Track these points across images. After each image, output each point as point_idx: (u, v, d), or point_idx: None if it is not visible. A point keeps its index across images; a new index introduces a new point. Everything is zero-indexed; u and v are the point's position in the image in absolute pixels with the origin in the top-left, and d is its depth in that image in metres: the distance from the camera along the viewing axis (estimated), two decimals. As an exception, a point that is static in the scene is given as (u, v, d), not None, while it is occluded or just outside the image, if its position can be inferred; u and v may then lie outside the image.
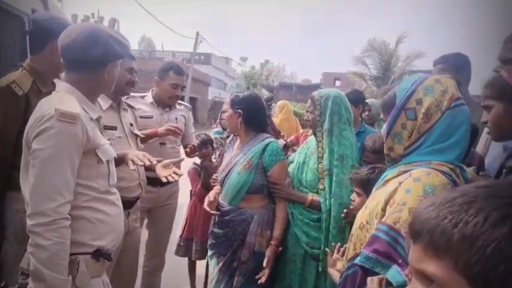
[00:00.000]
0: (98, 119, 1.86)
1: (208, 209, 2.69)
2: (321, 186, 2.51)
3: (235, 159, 2.66)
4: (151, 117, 3.28)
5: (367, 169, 2.03)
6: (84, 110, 1.73)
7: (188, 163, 3.94)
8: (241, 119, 2.65)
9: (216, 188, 2.89)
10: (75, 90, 1.76)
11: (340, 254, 1.95)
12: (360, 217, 1.49)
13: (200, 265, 4.03)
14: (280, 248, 2.53)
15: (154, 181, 3.14)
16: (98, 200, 1.74)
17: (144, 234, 3.37)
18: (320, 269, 2.44)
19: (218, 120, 4.93)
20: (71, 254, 1.60)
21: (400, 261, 1.22)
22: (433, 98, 1.36)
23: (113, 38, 1.79)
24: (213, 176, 3.29)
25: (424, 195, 1.26)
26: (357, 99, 3.61)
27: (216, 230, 2.68)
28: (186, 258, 3.94)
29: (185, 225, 3.86)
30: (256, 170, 2.57)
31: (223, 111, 3.86)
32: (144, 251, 3.43)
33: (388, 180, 1.43)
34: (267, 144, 2.59)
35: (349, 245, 1.53)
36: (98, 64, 1.77)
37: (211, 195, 2.78)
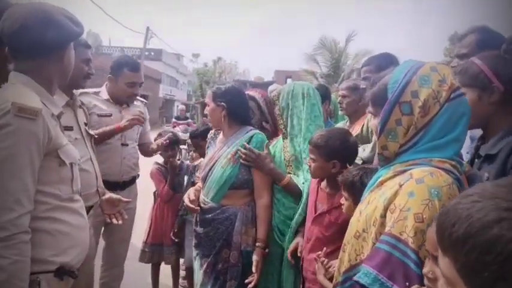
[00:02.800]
0: (59, 116, 1.61)
1: (191, 206, 2.52)
2: (289, 171, 2.43)
3: (219, 154, 2.50)
4: (110, 115, 2.99)
5: (354, 170, 1.87)
6: (44, 104, 1.47)
7: (149, 163, 3.69)
8: (225, 112, 2.50)
9: (197, 185, 2.72)
10: (32, 81, 1.49)
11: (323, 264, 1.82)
12: (354, 224, 1.32)
13: (163, 271, 3.81)
14: (267, 250, 2.38)
15: (113, 185, 2.95)
16: (59, 209, 1.50)
17: (101, 243, 3.11)
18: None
19: (173, 120, 4.71)
20: (31, 274, 1.37)
21: (406, 283, 1.07)
22: (430, 89, 1.20)
23: (66, 16, 1.54)
24: (197, 174, 3.11)
25: (430, 199, 1.11)
26: (324, 95, 3.53)
27: (198, 229, 2.52)
28: (149, 265, 3.69)
29: (150, 230, 3.61)
30: (241, 163, 2.42)
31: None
32: (101, 261, 3.14)
33: (383, 182, 1.27)
34: (252, 136, 2.46)
35: (343, 256, 1.36)
36: (55, 48, 1.52)
37: (191, 193, 2.61)
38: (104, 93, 3.07)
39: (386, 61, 2.74)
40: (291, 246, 2.28)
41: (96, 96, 3.03)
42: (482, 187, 0.62)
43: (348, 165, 2.05)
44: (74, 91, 2.47)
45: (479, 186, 0.64)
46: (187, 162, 4.06)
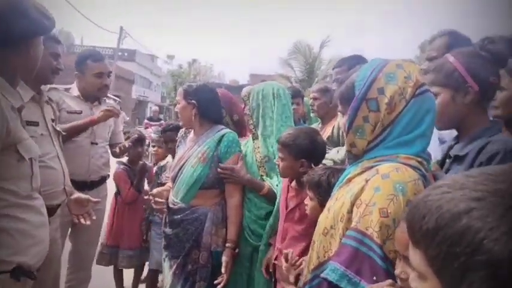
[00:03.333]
0: (20, 109, 1.53)
1: (157, 207, 2.47)
2: (262, 174, 2.40)
3: (189, 153, 2.45)
4: (80, 112, 2.89)
5: (320, 170, 1.86)
6: (3, 96, 1.40)
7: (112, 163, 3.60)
8: (196, 110, 2.46)
9: (167, 185, 2.66)
10: None
11: (291, 263, 1.79)
12: (323, 221, 1.31)
13: (127, 274, 3.71)
14: (237, 250, 2.34)
15: (80, 185, 2.84)
16: (17, 206, 1.44)
17: (67, 245, 2.99)
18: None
19: (145, 121, 4.62)
20: None
21: (374, 278, 1.07)
22: (396, 86, 1.21)
23: (36, 8, 1.47)
24: (167, 175, 3.04)
25: (395, 194, 1.11)
26: (294, 95, 3.57)
27: (167, 230, 2.46)
28: (111, 268, 3.59)
29: (109, 231, 3.51)
30: (211, 162, 2.37)
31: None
32: (67, 264, 3.02)
33: (351, 179, 1.27)
34: (223, 135, 2.42)
35: (311, 253, 1.35)
36: (21, 39, 1.45)
37: (154, 192, 2.58)
38: (75, 90, 2.97)
39: (357, 62, 2.77)
40: (264, 263, 2.25)
41: (66, 93, 2.93)
42: (452, 178, 0.61)
43: (314, 165, 2.05)
44: (43, 87, 2.40)
45: (449, 177, 0.64)
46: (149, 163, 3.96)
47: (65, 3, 17.03)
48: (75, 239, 3.00)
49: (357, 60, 2.69)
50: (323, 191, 1.72)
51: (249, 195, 2.42)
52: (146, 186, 3.70)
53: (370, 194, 1.15)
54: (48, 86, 2.76)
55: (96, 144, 2.98)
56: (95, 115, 2.79)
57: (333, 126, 2.96)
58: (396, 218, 1.10)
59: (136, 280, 3.79)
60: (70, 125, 2.69)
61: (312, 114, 3.57)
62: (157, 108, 16.44)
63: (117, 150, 3.17)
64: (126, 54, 36.32)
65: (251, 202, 2.41)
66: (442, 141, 1.89)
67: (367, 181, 1.18)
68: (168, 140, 3.41)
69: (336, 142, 2.90)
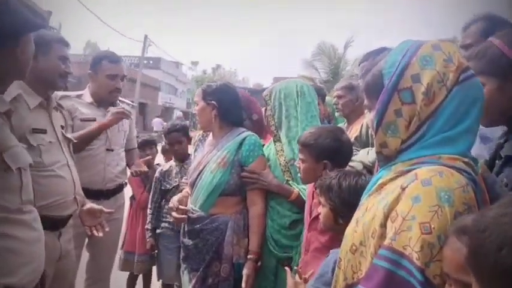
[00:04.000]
0: (8, 113, 1.42)
1: (176, 216, 2.33)
2: (288, 178, 2.21)
3: (208, 157, 2.30)
4: (94, 119, 2.76)
5: (333, 173, 1.66)
6: None
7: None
8: (216, 111, 2.31)
9: (185, 191, 2.52)
10: None
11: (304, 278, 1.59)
12: (350, 236, 1.11)
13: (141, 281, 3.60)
14: (259, 263, 2.16)
15: (96, 194, 2.74)
16: (5, 221, 1.31)
17: (85, 256, 2.90)
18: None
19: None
20: None
21: None
22: (435, 71, 0.99)
23: (23, 4, 1.37)
24: (183, 180, 2.89)
25: (439, 204, 0.89)
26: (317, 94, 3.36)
27: (185, 240, 2.31)
28: (126, 273, 3.50)
29: (125, 236, 3.41)
30: (232, 167, 2.21)
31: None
32: (85, 275, 2.90)
33: (383, 185, 1.06)
34: (244, 138, 2.26)
35: (338, 273, 1.14)
36: (7, 37, 1.33)
37: (175, 200, 2.41)
38: (87, 96, 2.86)
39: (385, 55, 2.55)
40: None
41: (78, 100, 2.82)
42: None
43: (339, 168, 1.85)
44: (54, 95, 2.30)
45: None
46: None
47: (92, 15, 17.37)
48: (92, 249, 2.89)
49: (381, 53, 2.47)
50: (334, 196, 1.53)
51: (271, 202, 2.24)
52: None
53: (408, 204, 0.93)
54: (60, 94, 2.67)
55: (112, 150, 2.86)
56: (105, 119, 2.66)
57: (361, 125, 2.74)
58: (442, 234, 0.88)
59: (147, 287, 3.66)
60: (80, 133, 2.58)
61: (336, 114, 3.34)
62: (181, 113, 16.51)
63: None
64: (151, 62, 36.92)
65: (273, 210, 2.23)
66: (483, 139, 1.64)
67: (403, 188, 0.96)
68: (174, 141, 3.22)
69: (364, 143, 2.67)
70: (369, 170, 2.23)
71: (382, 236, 0.98)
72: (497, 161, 1.29)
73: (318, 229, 1.84)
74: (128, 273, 3.56)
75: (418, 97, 1.01)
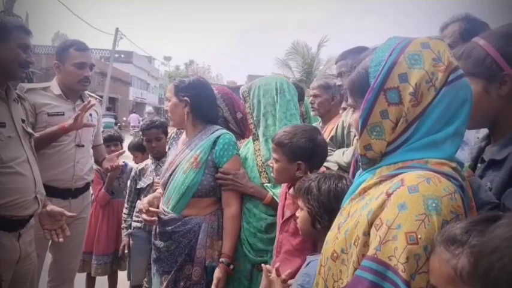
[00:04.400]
0: None
1: (146, 218, 2.22)
2: (263, 180, 2.13)
3: (180, 157, 2.19)
4: (63, 114, 2.62)
5: (313, 175, 1.60)
6: None
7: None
8: (188, 108, 2.20)
9: (157, 192, 2.41)
10: None
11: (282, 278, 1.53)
12: (331, 242, 1.04)
13: (100, 282, 3.47)
14: (231, 267, 2.08)
15: (65, 193, 2.62)
16: None
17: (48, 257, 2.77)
18: None
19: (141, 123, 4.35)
20: None
21: None
22: (423, 71, 0.94)
23: None
24: (156, 180, 2.78)
25: (426, 213, 0.84)
26: (298, 95, 3.31)
27: (157, 242, 2.21)
28: (84, 275, 3.36)
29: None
30: (205, 167, 2.11)
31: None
32: (48, 277, 2.77)
33: (366, 189, 1.00)
34: (218, 137, 2.15)
35: (318, 279, 1.08)
36: None
37: (145, 201, 2.30)
38: (55, 88, 2.69)
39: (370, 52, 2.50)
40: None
41: (45, 93, 2.65)
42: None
43: (313, 169, 1.80)
44: (20, 86, 2.15)
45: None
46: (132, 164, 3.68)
47: (61, 5, 16.79)
48: (56, 250, 2.74)
49: (363, 52, 2.43)
50: (313, 199, 1.47)
51: (248, 204, 2.16)
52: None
53: (393, 212, 0.87)
54: (26, 87, 2.52)
55: (83, 146, 2.73)
56: (66, 122, 2.50)
57: (337, 125, 2.70)
58: (428, 244, 0.83)
59: None
60: (40, 133, 2.42)
61: (312, 113, 3.29)
62: (151, 108, 16.18)
63: (108, 167, 2.90)
64: (122, 55, 36.15)
65: (250, 213, 2.14)
66: (465, 144, 1.61)
67: (388, 195, 0.90)
68: (152, 138, 3.11)
69: (340, 143, 2.63)
70: (344, 170, 2.18)
71: (366, 244, 0.92)
72: (479, 165, 1.25)
73: (289, 231, 1.79)
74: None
75: (405, 98, 0.95)
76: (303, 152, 1.77)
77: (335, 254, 1.01)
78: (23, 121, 2.09)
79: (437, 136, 0.94)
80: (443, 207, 0.85)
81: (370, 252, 0.89)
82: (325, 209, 1.40)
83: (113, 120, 17.81)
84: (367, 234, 0.92)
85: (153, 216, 2.22)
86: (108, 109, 19.83)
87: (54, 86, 2.71)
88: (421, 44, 0.98)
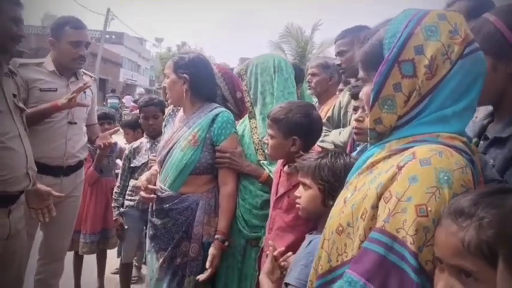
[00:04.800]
0: None
1: (145, 196, 2.21)
2: (259, 157, 2.14)
3: (178, 134, 2.18)
4: (56, 90, 2.58)
5: (316, 154, 1.59)
6: None
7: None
8: (187, 85, 2.17)
9: (153, 169, 2.40)
10: None
11: (281, 260, 1.54)
12: (336, 216, 1.03)
13: (88, 261, 3.47)
14: (227, 243, 2.10)
15: (55, 170, 2.59)
16: None
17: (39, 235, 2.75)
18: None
19: (132, 104, 4.30)
20: None
21: None
22: (439, 43, 0.91)
23: None
24: (151, 156, 2.78)
25: (438, 186, 0.83)
26: (297, 77, 3.27)
27: (154, 219, 2.21)
28: (72, 253, 3.34)
29: None
30: (203, 145, 2.11)
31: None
32: (38, 255, 2.75)
33: (374, 163, 0.98)
34: (217, 115, 2.14)
35: (321, 253, 1.06)
36: None
37: (143, 178, 2.29)
38: (49, 64, 2.63)
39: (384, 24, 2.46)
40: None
41: (38, 68, 2.60)
42: None
43: (308, 144, 1.81)
44: (12, 61, 2.10)
45: None
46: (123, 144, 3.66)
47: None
48: (47, 228, 2.71)
49: (363, 31, 2.39)
50: (328, 175, 1.44)
51: (244, 182, 2.17)
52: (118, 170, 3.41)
53: (404, 185, 0.86)
54: (18, 62, 2.46)
55: (75, 124, 2.68)
56: (59, 101, 2.45)
57: (333, 106, 2.69)
58: (437, 217, 0.82)
59: (101, 269, 3.54)
60: (31, 110, 2.38)
61: (308, 92, 3.27)
62: (142, 90, 16.05)
63: (101, 145, 2.85)
64: (113, 37, 35.55)
65: (246, 189, 2.16)
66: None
67: (400, 168, 0.89)
68: (150, 115, 3.09)
69: (336, 123, 2.62)
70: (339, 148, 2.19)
71: (373, 217, 0.91)
72: (481, 142, 1.25)
73: (282, 208, 1.80)
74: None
75: (420, 70, 0.93)
76: (299, 128, 1.77)
77: (340, 228, 1.00)
78: (15, 96, 2.04)
79: (449, 110, 0.93)
80: (454, 180, 0.84)
81: (378, 224, 0.88)
82: (341, 184, 1.40)
83: (117, 101, 18.04)
84: (375, 207, 0.91)
85: (151, 194, 2.21)
86: (112, 91, 20.93)
87: (48, 62, 2.65)
88: (438, 15, 0.95)
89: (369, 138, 1.04)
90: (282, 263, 1.54)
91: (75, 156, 2.72)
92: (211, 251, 2.06)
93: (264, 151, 2.13)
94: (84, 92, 2.74)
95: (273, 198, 1.88)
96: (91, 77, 2.96)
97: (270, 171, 2.08)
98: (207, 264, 2.04)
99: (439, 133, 0.91)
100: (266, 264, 1.56)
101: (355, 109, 1.66)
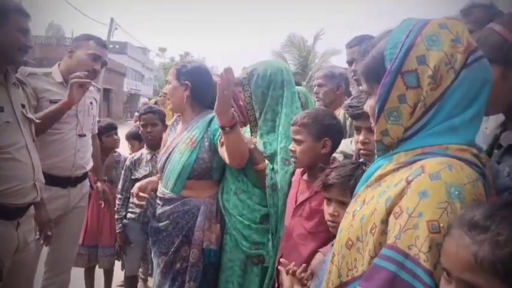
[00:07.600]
0: None
1: (136, 202, 2.25)
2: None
3: (177, 139, 2.20)
4: None
5: (349, 166, 1.57)
6: None
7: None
8: (189, 92, 2.20)
9: (156, 177, 2.41)
10: None
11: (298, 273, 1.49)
12: (345, 229, 1.00)
13: (98, 275, 3.43)
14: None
15: (63, 181, 2.57)
16: None
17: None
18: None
19: (137, 115, 4.31)
20: None
21: None
22: (442, 53, 0.89)
23: None
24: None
25: (449, 201, 0.80)
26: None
27: (155, 224, 2.22)
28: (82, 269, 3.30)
29: (85, 229, 3.17)
30: (200, 146, 2.10)
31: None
32: (44, 267, 2.71)
33: (382, 176, 0.95)
34: (214, 117, 2.12)
35: (331, 268, 1.04)
36: None
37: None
38: (57, 75, 2.61)
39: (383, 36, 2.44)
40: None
41: (46, 79, 2.58)
42: None
43: (334, 147, 1.86)
44: (21, 70, 2.09)
45: None
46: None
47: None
48: (54, 240, 2.67)
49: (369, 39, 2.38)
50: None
51: (242, 196, 2.11)
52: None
53: (414, 200, 0.83)
54: (27, 71, 2.45)
55: (84, 136, 2.69)
56: (67, 96, 2.39)
57: (339, 115, 2.67)
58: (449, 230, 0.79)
59: (108, 282, 3.48)
60: (44, 112, 2.36)
61: (317, 103, 3.25)
62: (147, 100, 16.05)
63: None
64: (117, 46, 35.73)
65: (244, 204, 2.10)
66: None
67: (408, 182, 0.86)
68: (148, 123, 3.06)
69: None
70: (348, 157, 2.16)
71: (383, 232, 0.88)
72: (495, 151, 1.23)
73: (303, 215, 1.79)
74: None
75: (423, 81, 0.90)
76: (330, 129, 1.81)
77: (350, 242, 0.97)
78: (23, 106, 2.02)
79: (457, 120, 0.90)
80: (466, 195, 0.81)
81: (390, 241, 0.85)
82: None
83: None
84: (385, 222, 0.88)
85: (143, 201, 2.24)
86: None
87: (55, 72, 2.63)
88: (439, 24, 0.93)
89: (376, 150, 1.01)
90: (300, 276, 1.49)
91: (83, 168, 2.72)
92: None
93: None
94: (91, 103, 2.76)
95: (291, 207, 1.86)
96: (95, 86, 2.96)
97: (270, 168, 2.04)
98: None
99: (448, 145, 0.89)
100: (285, 284, 1.55)
101: (357, 129, 1.66)
